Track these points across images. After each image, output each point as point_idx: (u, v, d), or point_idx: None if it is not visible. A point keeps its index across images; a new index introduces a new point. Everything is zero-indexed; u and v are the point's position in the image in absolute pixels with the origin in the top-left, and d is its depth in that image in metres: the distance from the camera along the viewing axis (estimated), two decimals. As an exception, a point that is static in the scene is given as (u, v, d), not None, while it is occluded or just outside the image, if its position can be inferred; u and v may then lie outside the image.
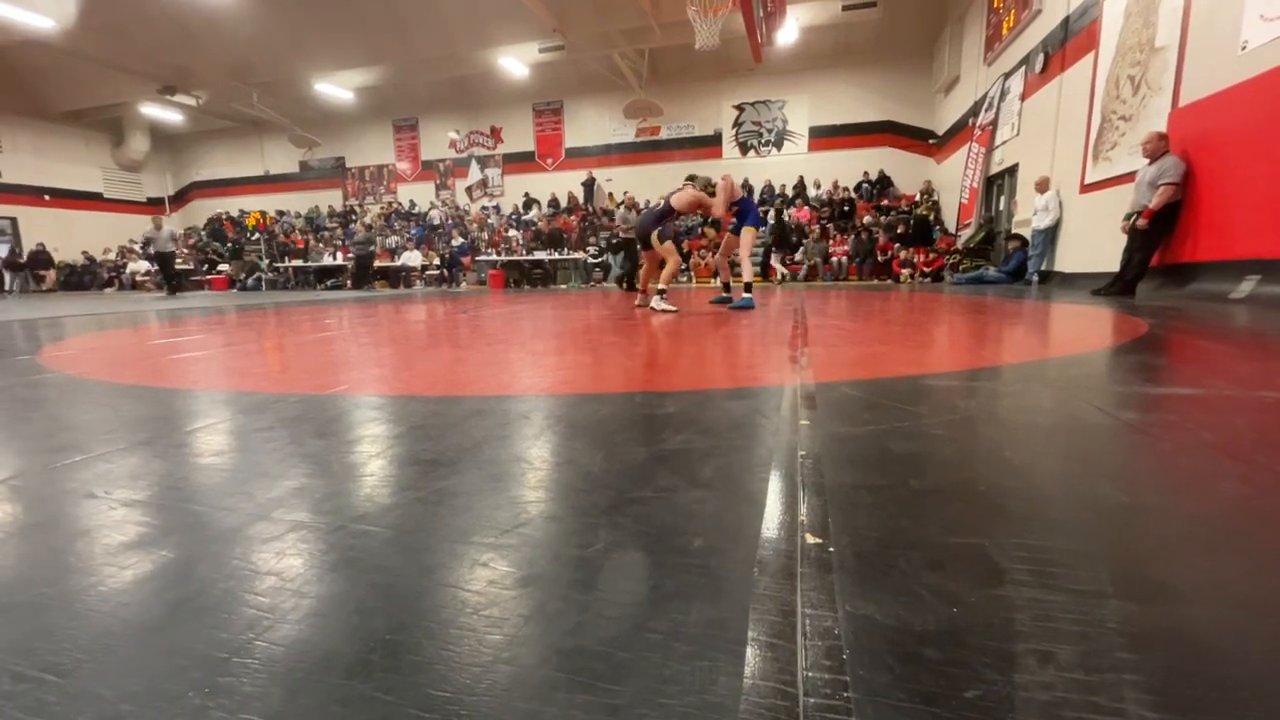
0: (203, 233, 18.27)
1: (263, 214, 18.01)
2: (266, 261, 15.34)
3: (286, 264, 15.42)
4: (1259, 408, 1.41)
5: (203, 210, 19.48)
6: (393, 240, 15.37)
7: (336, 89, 14.29)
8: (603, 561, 0.72)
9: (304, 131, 15.92)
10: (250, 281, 14.95)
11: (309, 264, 15.12)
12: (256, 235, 16.85)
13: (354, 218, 16.92)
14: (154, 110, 15.33)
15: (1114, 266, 5.56)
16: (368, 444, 1.26)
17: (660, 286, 4.80)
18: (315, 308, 6.68)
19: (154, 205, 19.25)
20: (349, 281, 13.73)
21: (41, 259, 15.82)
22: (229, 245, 16.85)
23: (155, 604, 0.65)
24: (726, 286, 5.79)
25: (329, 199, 18.46)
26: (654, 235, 4.89)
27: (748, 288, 5.11)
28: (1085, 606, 0.60)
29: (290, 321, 4.78)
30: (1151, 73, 5.56)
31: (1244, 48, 4.44)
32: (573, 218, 15.02)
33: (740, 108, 14.89)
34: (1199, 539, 0.77)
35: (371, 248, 13.56)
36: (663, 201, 4.96)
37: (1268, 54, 4.22)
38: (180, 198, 19.93)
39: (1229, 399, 1.50)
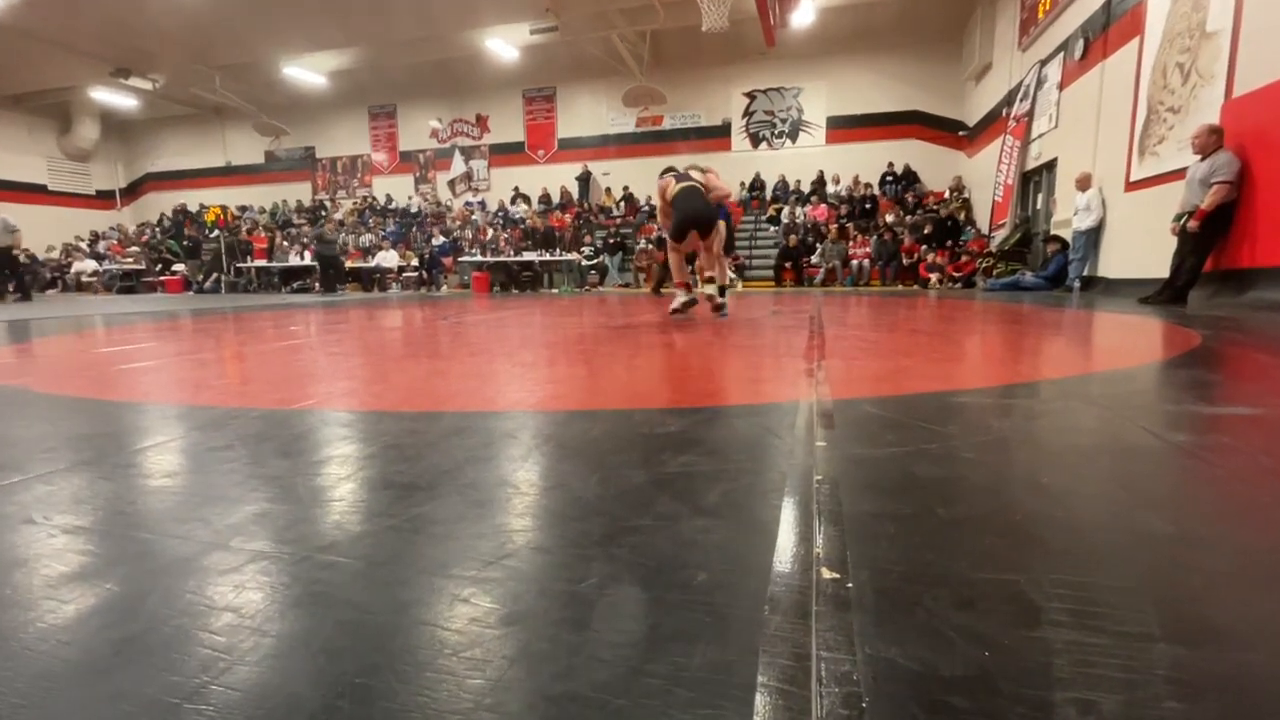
0: (156, 229, 18.34)
1: (223, 209, 18.09)
2: (225, 261, 15.36)
3: (249, 264, 15.44)
4: (1324, 430, 1.42)
5: (157, 204, 19.59)
6: (366, 238, 15.42)
7: (307, 73, 14.42)
8: (596, 598, 0.72)
9: (270, 119, 16.04)
10: (209, 284, 14.97)
11: (273, 264, 15.14)
12: (216, 232, 16.91)
13: (324, 213, 17.01)
14: (105, 95, 15.44)
15: (1163, 272, 5.59)
16: (337, 465, 1.26)
17: (723, 275, 4.81)
18: (278, 313, 6.69)
19: (104, 198, 19.37)
20: (317, 284, 13.76)
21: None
22: (185, 243, 16.90)
23: (99, 643, 0.65)
24: (657, 290, 5.70)
25: (297, 193, 18.57)
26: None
27: (721, 290, 5.19)
28: (1131, 650, 0.60)
29: (252, 329, 4.79)
30: (1202, 60, 5.63)
31: (1304, 33, 4.50)
32: (566, 215, 15.09)
33: (751, 96, 15.02)
34: (1258, 576, 0.77)
35: (335, 246, 13.34)
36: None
37: (1330, 40, 4.28)
38: (133, 190, 20.06)
39: (1291, 420, 1.50)
